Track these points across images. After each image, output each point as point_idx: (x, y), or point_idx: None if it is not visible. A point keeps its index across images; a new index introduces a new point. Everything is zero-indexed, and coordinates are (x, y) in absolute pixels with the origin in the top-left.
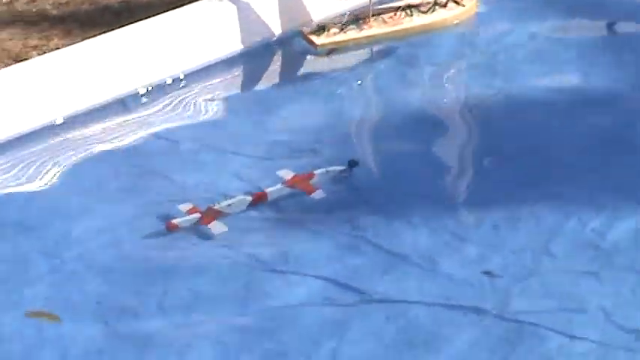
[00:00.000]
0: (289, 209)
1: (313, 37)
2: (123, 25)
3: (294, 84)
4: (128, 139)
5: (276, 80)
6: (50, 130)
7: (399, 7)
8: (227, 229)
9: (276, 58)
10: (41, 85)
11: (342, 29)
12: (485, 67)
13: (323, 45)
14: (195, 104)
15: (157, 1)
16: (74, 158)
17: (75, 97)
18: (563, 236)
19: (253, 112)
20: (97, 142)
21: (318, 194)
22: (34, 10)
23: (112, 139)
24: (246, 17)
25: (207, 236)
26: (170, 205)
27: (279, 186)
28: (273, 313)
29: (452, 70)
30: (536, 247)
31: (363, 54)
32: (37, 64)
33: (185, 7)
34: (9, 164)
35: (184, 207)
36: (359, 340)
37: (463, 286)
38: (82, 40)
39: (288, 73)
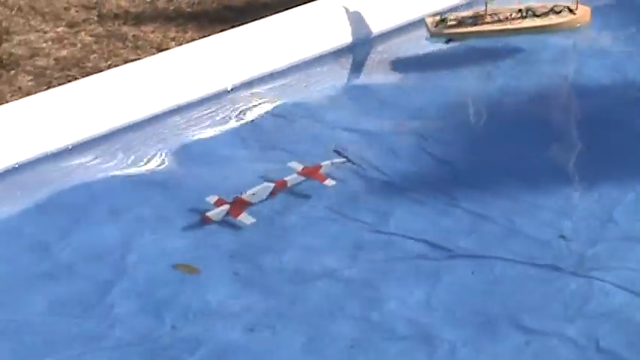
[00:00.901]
0: (392, 180)
1: (431, 27)
2: (245, 22)
3: (407, 70)
4: (253, 116)
5: (389, 67)
6: (185, 109)
7: (519, 9)
8: (255, 220)
9: (393, 46)
10: (179, 72)
11: (460, 22)
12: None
13: (435, 34)
14: (308, 88)
15: (274, 2)
16: (204, 133)
17: (206, 82)
18: (624, 207)
19: (363, 95)
20: (226, 118)
21: (330, 182)
22: (171, 8)
23: (239, 117)
24: (366, 9)
25: (322, 200)
26: (287, 172)
27: (295, 175)
28: (375, 266)
29: (538, 67)
30: (602, 215)
31: (477, 46)
32: (175, 53)
33: (300, 7)
34: (147, 137)
35: (212, 199)
36: (448, 289)
37: (540, 246)
38: (211, 34)
39: (404, 61)
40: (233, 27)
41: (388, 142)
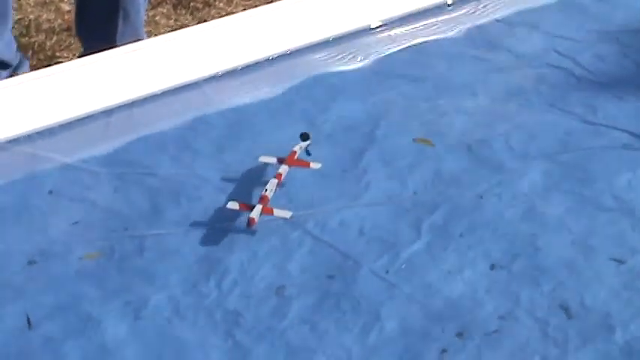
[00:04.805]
0: (599, 80)
1: None
2: None
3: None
4: (445, 35)
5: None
6: (368, 31)
7: None
8: (292, 214)
9: None
10: None
11: None
12: None
13: None
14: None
15: None
16: (391, 49)
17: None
18: None
19: (571, 9)
20: (419, 36)
21: (315, 165)
22: None
23: (432, 32)
24: None
25: (536, 95)
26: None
27: (284, 166)
28: (584, 151)
29: None
30: None
31: None
32: None
33: None
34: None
35: (233, 205)
36: None
37: None
38: None
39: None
40: None
41: (595, 48)
